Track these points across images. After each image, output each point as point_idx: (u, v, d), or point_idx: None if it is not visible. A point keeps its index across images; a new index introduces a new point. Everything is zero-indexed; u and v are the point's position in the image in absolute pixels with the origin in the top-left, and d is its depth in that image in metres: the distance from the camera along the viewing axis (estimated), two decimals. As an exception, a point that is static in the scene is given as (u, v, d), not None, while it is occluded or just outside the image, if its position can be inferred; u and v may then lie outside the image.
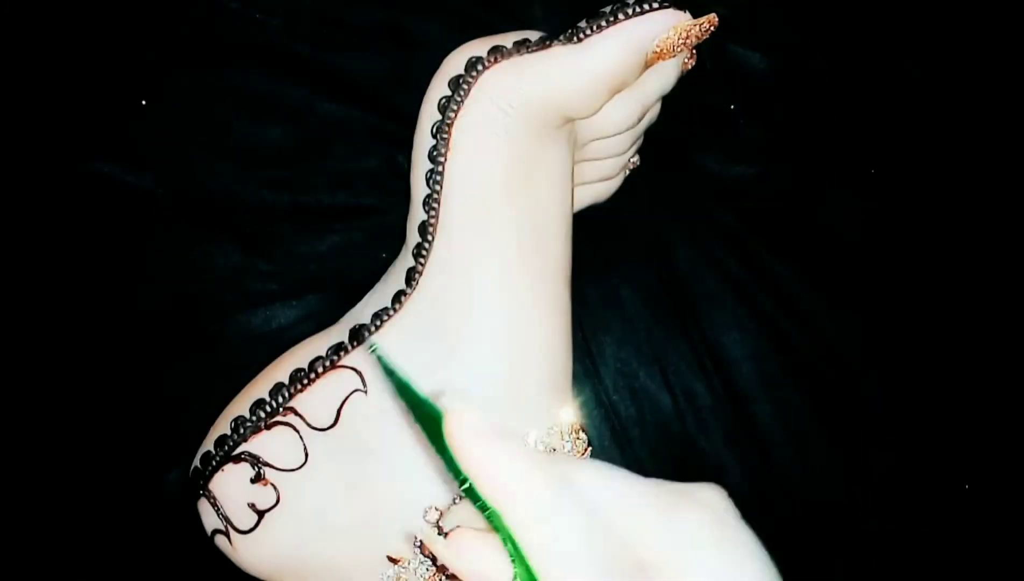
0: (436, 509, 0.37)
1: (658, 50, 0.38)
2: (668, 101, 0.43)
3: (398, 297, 0.39)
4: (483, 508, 0.21)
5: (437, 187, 0.38)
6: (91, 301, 0.45)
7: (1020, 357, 0.48)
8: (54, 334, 0.45)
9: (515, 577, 0.20)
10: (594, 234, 0.47)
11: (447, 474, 0.22)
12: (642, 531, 0.21)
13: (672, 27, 0.37)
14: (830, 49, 0.50)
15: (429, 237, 0.38)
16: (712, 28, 0.39)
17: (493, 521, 0.21)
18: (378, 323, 0.39)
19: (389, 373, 0.26)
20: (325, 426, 0.38)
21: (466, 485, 0.21)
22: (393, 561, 0.37)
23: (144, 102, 0.45)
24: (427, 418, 0.23)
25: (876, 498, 0.48)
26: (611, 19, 0.37)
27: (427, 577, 0.37)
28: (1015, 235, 0.49)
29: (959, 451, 0.48)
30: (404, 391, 0.25)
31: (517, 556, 0.20)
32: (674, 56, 0.39)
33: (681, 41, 0.38)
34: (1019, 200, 0.49)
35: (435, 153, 0.38)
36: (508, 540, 0.20)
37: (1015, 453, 0.48)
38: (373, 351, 0.35)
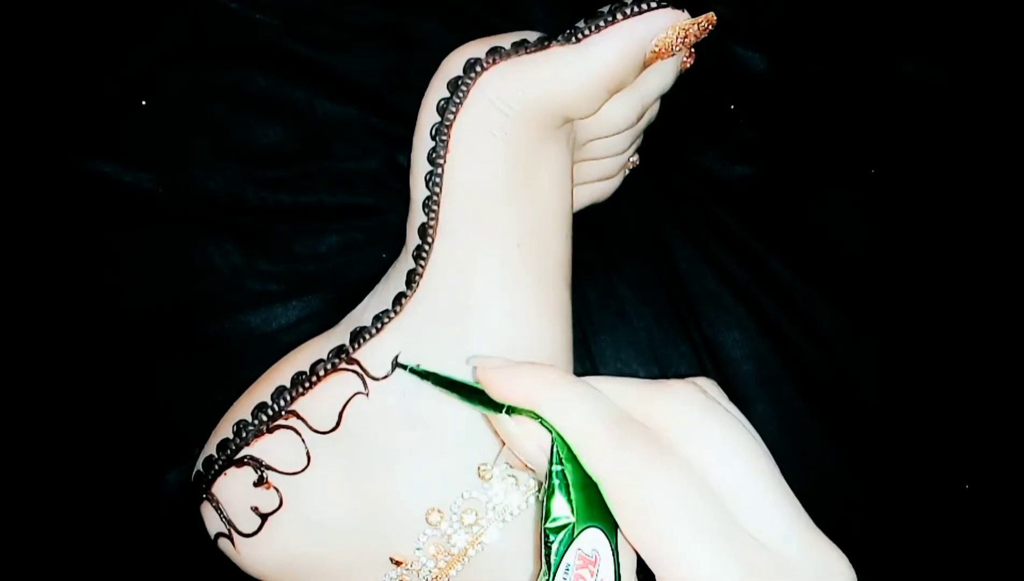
0: (438, 511, 0.37)
1: (657, 49, 0.37)
2: (668, 101, 0.43)
3: (399, 299, 0.39)
4: (522, 412, 0.27)
5: (436, 189, 0.38)
6: (90, 301, 0.45)
7: (1020, 357, 0.49)
8: (52, 335, 0.45)
9: (553, 444, 0.26)
10: (594, 234, 0.48)
11: (491, 413, 0.28)
12: (641, 404, 0.26)
13: (671, 26, 0.37)
14: (830, 49, 0.50)
15: (429, 239, 0.38)
16: (711, 27, 0.39)
17: (532, 417, 0.27)
18: (379, 326, 0.39)
19: (424, 375, 0.33)
20: (327, 429, 0.38)
21: (505, 409, 0.28)
22: (396, 563, 0.37)
23: (144, 102, 0.45)
24: (461, 388, 0.30)
25: (876, 498, 0.48)
26: (609, 19, 0.37)
27: (429, 578, 0.37)
28: (1015, 235, 0.49)
29: (959, 451, 0.48)
30: (438, 380, 0.32)
31: (555, 434, 0.26)
32: (673, 55, 0.38)
33: (680, 40, 0.38)
34: (1019, 200, 0.49)
35: (434, 155, 0.38)
36: (545, 425, 0.27)
37: (1015, 453, 0.48)
38: (408, 369, 0.35)
